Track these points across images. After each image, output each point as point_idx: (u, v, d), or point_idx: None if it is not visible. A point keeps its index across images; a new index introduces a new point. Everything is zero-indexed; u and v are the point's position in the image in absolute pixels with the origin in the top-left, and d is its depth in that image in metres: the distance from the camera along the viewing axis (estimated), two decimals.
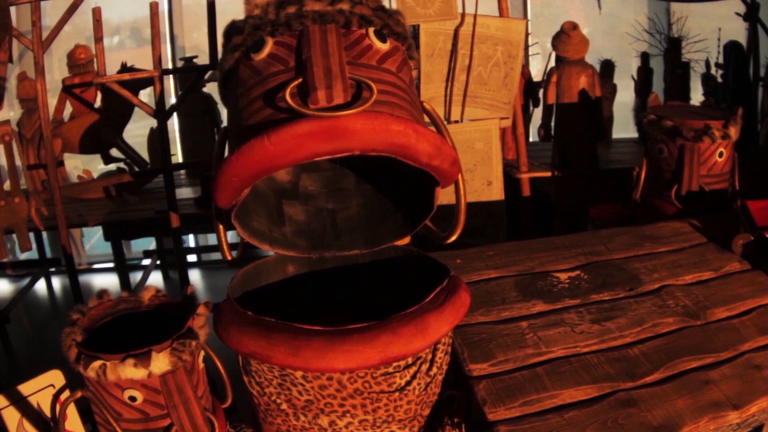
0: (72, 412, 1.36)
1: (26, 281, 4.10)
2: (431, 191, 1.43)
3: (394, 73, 1.35)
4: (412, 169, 1.35)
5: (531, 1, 4.97)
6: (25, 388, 1.32)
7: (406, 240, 1.77)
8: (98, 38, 2.54)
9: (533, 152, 3.50)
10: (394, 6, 2.51)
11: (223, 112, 4.15)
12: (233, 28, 1.39)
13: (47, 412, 1.34)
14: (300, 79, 1.22)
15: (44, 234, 4.07)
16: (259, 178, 1.24)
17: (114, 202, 3.53)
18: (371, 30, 1.35)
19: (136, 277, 4.27)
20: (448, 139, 1.47)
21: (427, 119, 1.49)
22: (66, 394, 1.34)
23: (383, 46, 1.35)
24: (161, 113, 2.70)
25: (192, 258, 4.82)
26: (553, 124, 3.43)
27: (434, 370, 1.42)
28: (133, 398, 1.24)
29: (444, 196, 1.50)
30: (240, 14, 1.40)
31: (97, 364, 1.20)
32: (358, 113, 1.17)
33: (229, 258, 1.55)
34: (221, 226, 1.53)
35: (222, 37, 1.43)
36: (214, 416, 1.35)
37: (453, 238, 1.52)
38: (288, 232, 1.60)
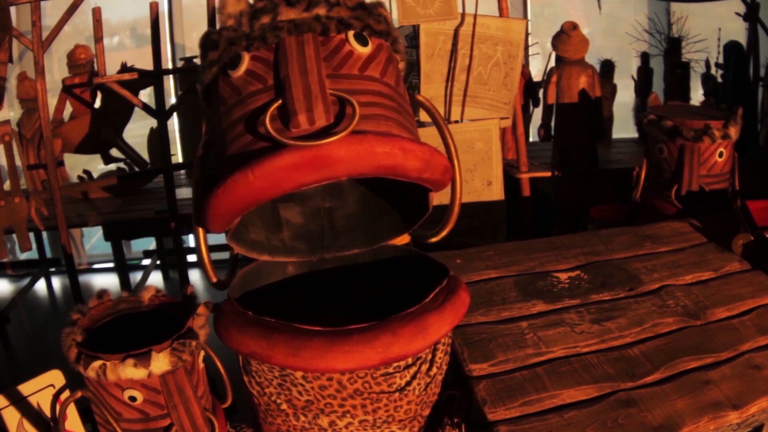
0: (72, 412, 1.36)
1: (26, 281, 4.10)
2: (426, 192, 1.43)
3: (378, 80, 1.30)
4: None
5: (531, 1, 4.97)
6: (25, 388, 1.32)
7: (406, 239, 1.76)
8: (98, 38, 2.55)
9: (533, 152, 3.50)
10: (394, 7, 2.50)
11: None
12: (208, 41, 1.32)
13: (47, 412, 1.34)
14: (280, 101, 1.18)
15: (44, 234, 4.07)
16: (248, 210, 1.23)
17: (114, 202, 3.53)
18: (351, 34, 1.28)
19: (136, 277, 4.27)
20: (446, 132, 1.43)
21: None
22: (66, 394, 1.34)
23: (365, 50, 1.29)
24: (161, 113, 2.70)
25: (192, 258, 4.82)
26: (553, 124, 3.43)
27: (434, 370, 1.42)
28: (133, 398, 1.24)
29: (444, 194, 1.50)
30: None
31: (97, 364, 1.20)
32: (341, 139, 1.13)
33: (215, 280, 1.44)
34: (203, 249, 1.44)
35: (199, 49, 1.37)
36: (214, 416, 1.35)
37: (439, 238, 1.48)
38: (286, 237, 1.59)
